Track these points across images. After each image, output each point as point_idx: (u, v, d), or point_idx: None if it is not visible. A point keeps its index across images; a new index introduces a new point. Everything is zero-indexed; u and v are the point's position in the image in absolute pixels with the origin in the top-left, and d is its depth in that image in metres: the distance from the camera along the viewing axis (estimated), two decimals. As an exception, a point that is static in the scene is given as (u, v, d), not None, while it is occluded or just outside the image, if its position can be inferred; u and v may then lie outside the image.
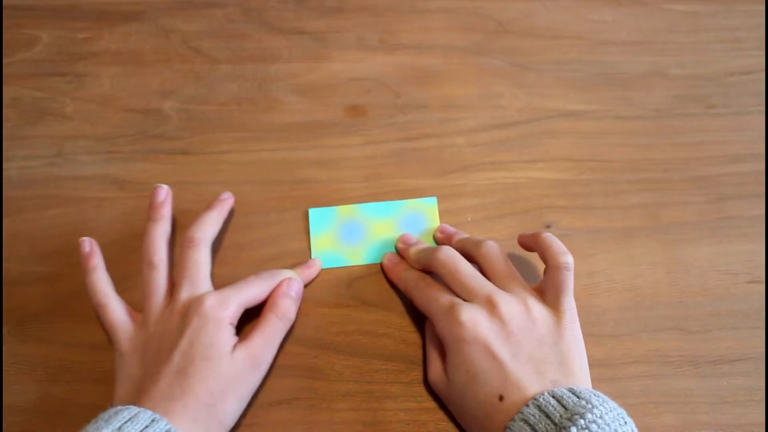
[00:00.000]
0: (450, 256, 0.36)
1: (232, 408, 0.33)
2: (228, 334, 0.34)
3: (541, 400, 0.29)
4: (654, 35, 0.53)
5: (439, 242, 0.42)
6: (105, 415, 0.29)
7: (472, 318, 0.33)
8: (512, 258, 0.40)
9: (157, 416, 0.29)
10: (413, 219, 0.42)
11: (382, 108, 0.48)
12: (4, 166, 0.45)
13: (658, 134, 0.48)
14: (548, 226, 0.43)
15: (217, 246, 0.41)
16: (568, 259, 0.34)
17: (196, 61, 0.51)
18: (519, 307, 0.33)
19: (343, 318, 0.39)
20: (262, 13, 0.54)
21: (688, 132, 0.48)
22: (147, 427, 0.29)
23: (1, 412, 0.36)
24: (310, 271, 0.40)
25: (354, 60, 0.51)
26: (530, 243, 0.38)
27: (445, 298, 0.35)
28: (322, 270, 0.41)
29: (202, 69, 0.50)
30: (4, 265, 0.41)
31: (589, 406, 0.28)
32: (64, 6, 0.53)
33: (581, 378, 0.32)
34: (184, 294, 0.35)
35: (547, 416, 0.28)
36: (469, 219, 0.43)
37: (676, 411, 0.37)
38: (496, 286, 0.35)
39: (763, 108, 0.49)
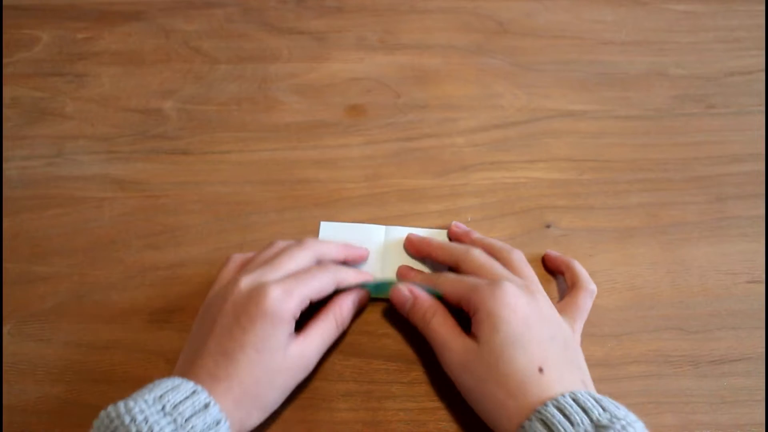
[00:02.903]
0: (482, 254, 0.37)
1: (276, 397, 0.33)
2: (286, 332, 0.33)
3: (579, 395, 0.29)
4: (654, 35, 0.53)
5: (454, 238, 0.41)
6: (150, 385, 0.30)
7: (516, 291, 0.33)
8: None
9: (199, 388, 0.29)
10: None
11: (382, 108, 0.48)
12: (4, 166, 0.45)
13: (658, 134, 0.48)
14: (548, 226, 0.43)
15: (217, 246, 0.41)
16: (594, 287, 0.38)
17: (196, 61, 0.51)
18: (549, 305, 0.35)
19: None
20: (262, 13, 0.54)
21: (688, 132, 0.48)
22: (187, 398, 0.29)
23: (1, 412, 0.36)
24: (363, 277, 0.38)
25: (354, 60, 0.51)
26: (558, 265, 0.40)
27: (485, 278, 0.35)
28: None
29: (202, 69, 0.50)
30: (4, 265, 0.41)
31: (623, 423, 0.27)
32: (64, 6, 0.53)
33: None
34: (258, 274, 0.34)
35: (585, 411, 0.28)
36: (470, 219, 0.43)
37: (676, 411, 0.37)
38: None
39: (763, 108, 0.49)
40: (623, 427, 0.27)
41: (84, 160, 0.45)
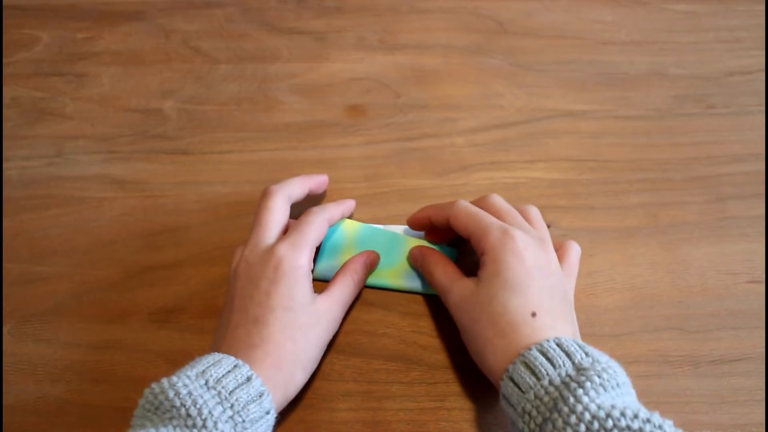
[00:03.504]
0: (503, 200, 0.38)
1: (314, 354, 0.34)
2: (308, 286, 0.34)
3: (563, 340, 0.30)
4: (654, 35, 0.53)
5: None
6: (191, 362, 0.30)
7: (526, 240, 0.33)
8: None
9: (240, 362, 0.30)
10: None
11: (382, 108, 0.48)
12: (4, 166, 0.45)
13: (658, 134, 0.48)
14: (548, 226, 0.43)
15: (217, 246, 0.41)
16: (578, 246, 0.38)
17: (196, 61, 0.51)
18: (557, 260, 0.35)
19: (343, 318, 0.39)
20: (262, 13, 0.54)
21: (688, 132, 0.48)
22: (229, 372, 0.29)
23: (1, 412, 0.36)
24: (347, 206, 0.40)
25: (354, 60, 0.51)
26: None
27: (501, 222, 0.35)
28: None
29: (202, 69, 0.50)
30: (4, 265, 0.41)
31: (604, 366, 0.28)
32: (64, 6, 0.53)
33: None
34: (255, 239, 0.35)
35: (568, 355, 0.29)
36: (469, 219, 0.43)
37: (676, 411, 0.37)
38: None
39: (763, 108, 0.49)
40: (603, 369, 0.28)
41: (84, 160, 0.45)
